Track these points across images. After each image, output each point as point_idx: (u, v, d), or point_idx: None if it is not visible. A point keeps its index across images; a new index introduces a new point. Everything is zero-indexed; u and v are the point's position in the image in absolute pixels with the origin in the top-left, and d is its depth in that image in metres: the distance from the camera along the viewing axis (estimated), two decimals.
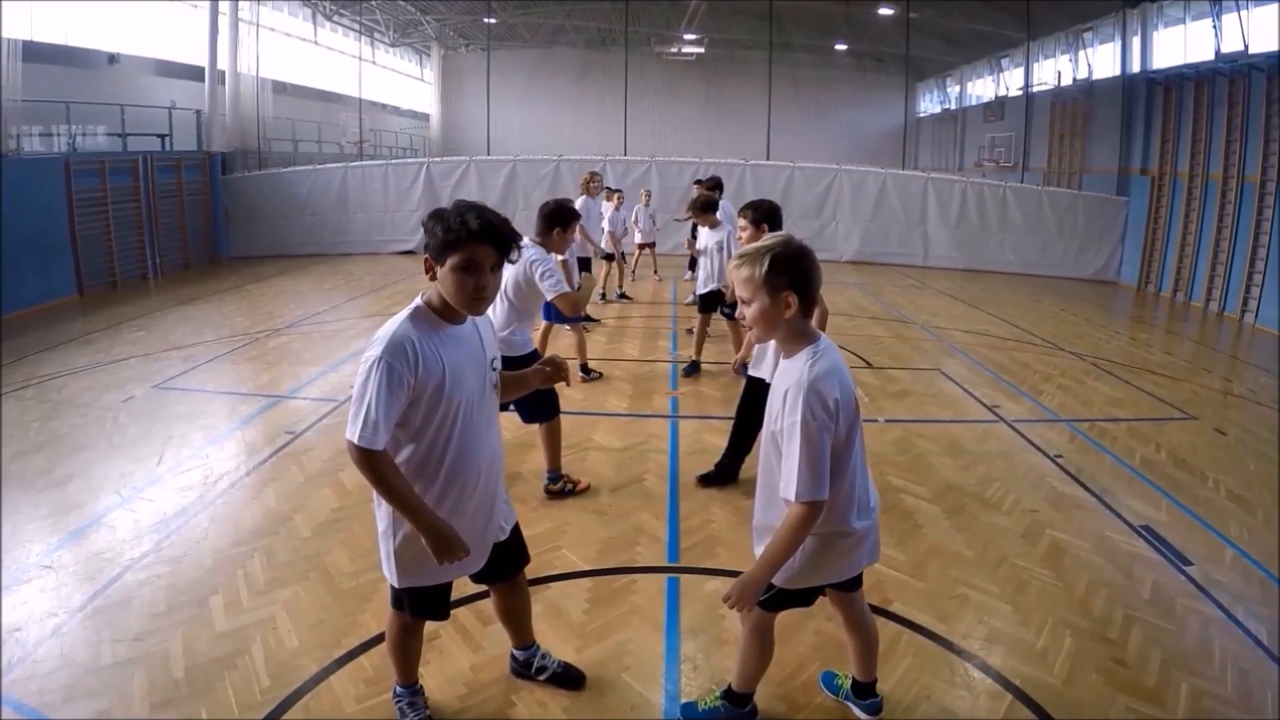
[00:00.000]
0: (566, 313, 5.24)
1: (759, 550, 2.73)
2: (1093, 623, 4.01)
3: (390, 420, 2.47)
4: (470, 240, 2.47)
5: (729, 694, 3.12)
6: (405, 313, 2.57)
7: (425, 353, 2.49)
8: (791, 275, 2.51)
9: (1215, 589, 4.39)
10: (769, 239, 2.60)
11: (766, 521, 2.74)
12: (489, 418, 2.77)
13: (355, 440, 2.45)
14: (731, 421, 5.60)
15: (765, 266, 2.50)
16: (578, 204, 10.45)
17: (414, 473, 2.61)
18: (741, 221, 5.42)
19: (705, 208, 8.07)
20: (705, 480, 5.58)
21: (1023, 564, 4.59)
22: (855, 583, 2.96)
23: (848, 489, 2.65)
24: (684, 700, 3.28)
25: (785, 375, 2.62)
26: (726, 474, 5.58)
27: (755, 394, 5.18)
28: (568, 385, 3.20)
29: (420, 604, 2.87)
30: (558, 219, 5.36)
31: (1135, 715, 3.31)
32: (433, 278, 2.55)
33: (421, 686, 3.19)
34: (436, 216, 2.50)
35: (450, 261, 2.48)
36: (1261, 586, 4.49)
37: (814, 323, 3.96)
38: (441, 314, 2.58)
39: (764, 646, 3.00)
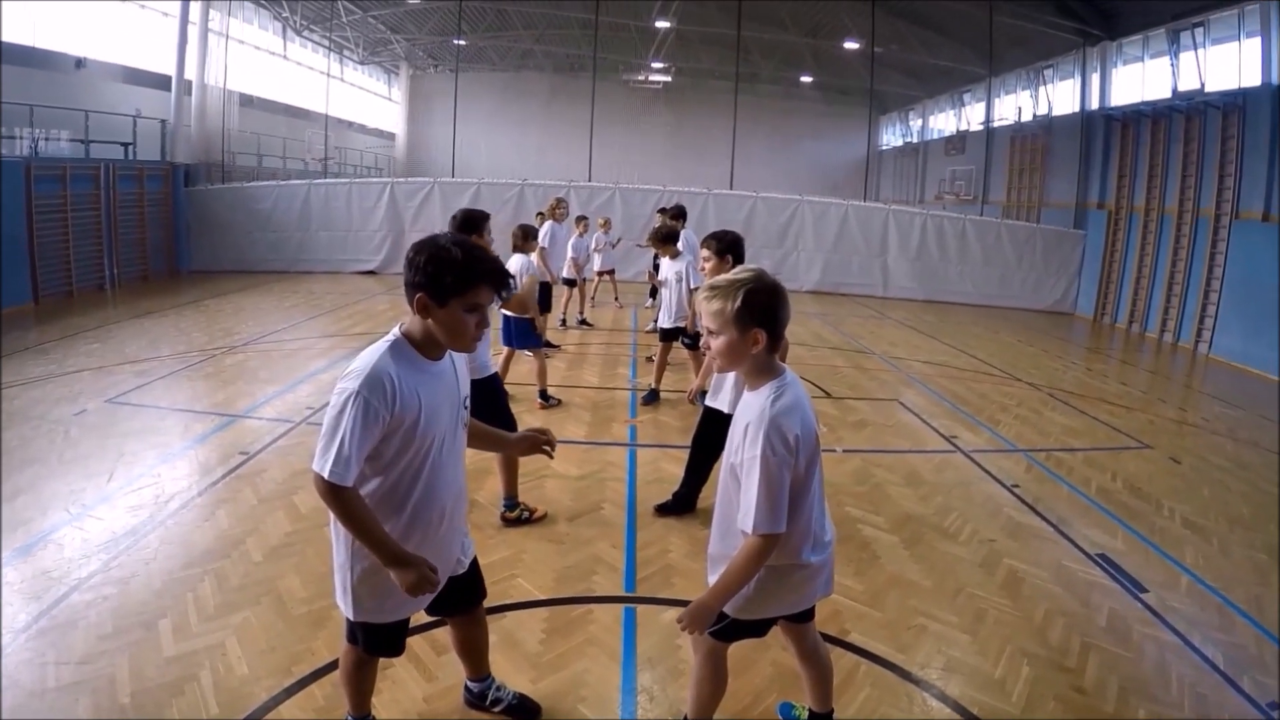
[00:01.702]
0: (514, 312, 5.07)
1: (713, 579, 2.73)
2: (1050, 651, 4.04)
3: (362, 455, 2.42)
4: (480, 281, 2.47)
5: None
6: (384, 345, 2.50)
7: (404, 390, 2.44)
8: (763, 312, 2.52)
9: (1171, 615, 4.46)
10: (741, 273, 2.60)
11: (723, 550, 2.73)
12: (457, 455, 2.73)
13: (325, 475, 2.38)
14: (689, 450, 5.57)
15: (738, 302, 2.50)
16: (542, 230, 10.45)
17: (378, 506, 2.55)
18: (705, 252, 5.41)
19: (666, 239, 8.16)
20: (663, 510, 5.55)
21: (981, 593, 4.62)
22: (808, 614, 2.96)
23: (804, 523, 2.65)
24: None
25: (747, 408, 2.62)
26: (684, 504, 5.56)
27: (712, 424, 5.18)
28: (550, 458, 3.13)
29: (375, 640, 2.82)
30: (467, 226, 5.19)
31: None
32: (424, 315, 2.49)
33: (374, 717, 3.12)
34: (436, 257, 2.44)
35: (456, 303, 2.46)
36: (1218, 612, 4.56)
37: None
38: (421, 349, 2.54)
39: (717, 676, 2.98)
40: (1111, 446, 7.77)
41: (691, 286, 7.86)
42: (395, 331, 2.55)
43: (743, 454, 2.55)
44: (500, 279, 2.53)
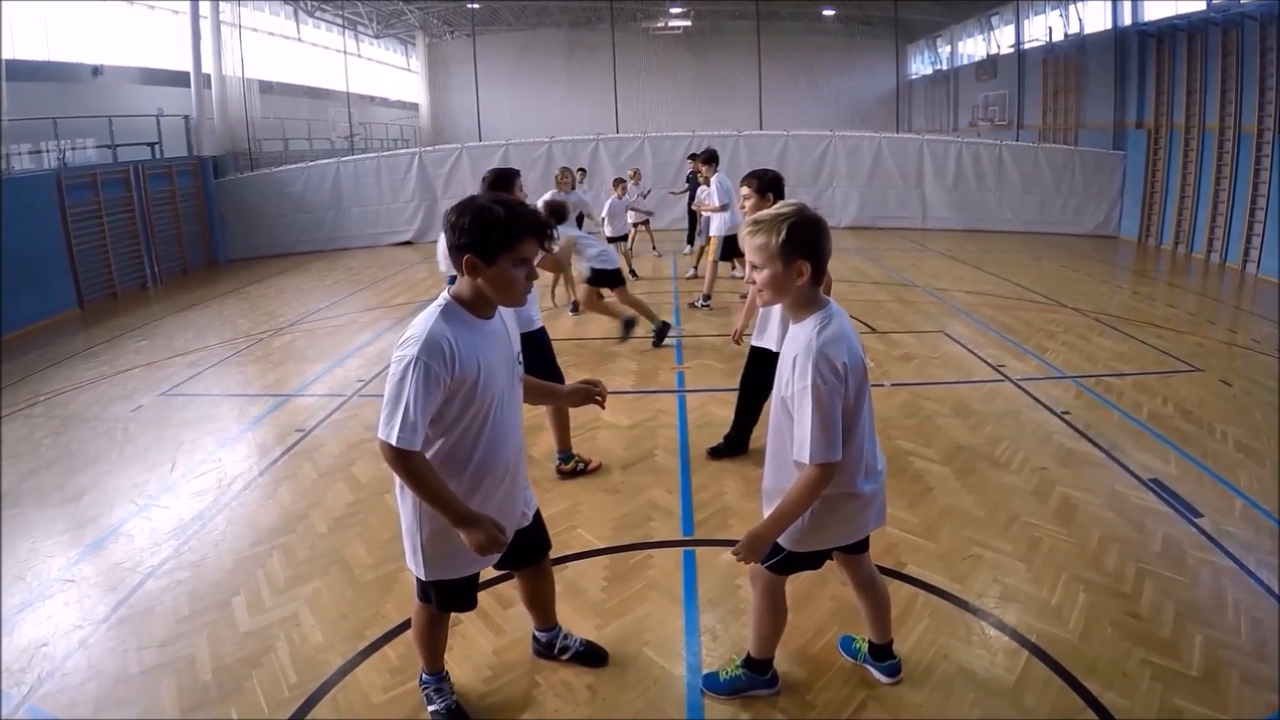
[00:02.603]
0: (547, 269, 5.07)
1: (768, 513, 2.77)
2: (1106, 577, 4.03)
3: (427, 419, 2.46)
4: (528, 234, 2.51)
5: (749, 662, 3.17)
6: (436, 309, 2.55)
7: (461, 351, 2.48)
8: (806, 244, 2.55)
9: (1226, 540, 4.41)
10: (784, 207, 2.62)
11: (777, 484, 2.77)
12: (515, 410, 2.79)
13: (393, 442, 2.43)
14: (738, 393, 5.60)
15: (782, 235, 2.54)
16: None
17: (443, 466, 2.60)
18: (745, 190, 5.41)
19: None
20: (715, 453, 5.61)
21: (1034, 522, 4.62)
22: (863, 545, 3.00)
23: (855, 452, 2.68)
24: (705, 671, 3.32)
25: (794, 341, 2.65)
26: (736, 445, 5.60)
27: (759, 363, 5.18)
28: (602, 409, 3.18)
29: (447, 596, 2.90)
30: (499, 184, 5.08)
31: (1151, 667, 3.34)
32: (474, 275, 2.53)
33: (447, 673, 3.22)
34: (479, 217, 2.47)
35: (505, 259, 2.49)
36: (1271, 536, 4.50)
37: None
38: (473, 309, 2.58)
39: (776, 610, 3.04)
40: (1161, 370, 7.64)
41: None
42: (444, 296, 2.60)
43: (793, 386, 2.58)
44: (543, 230, 2.57)
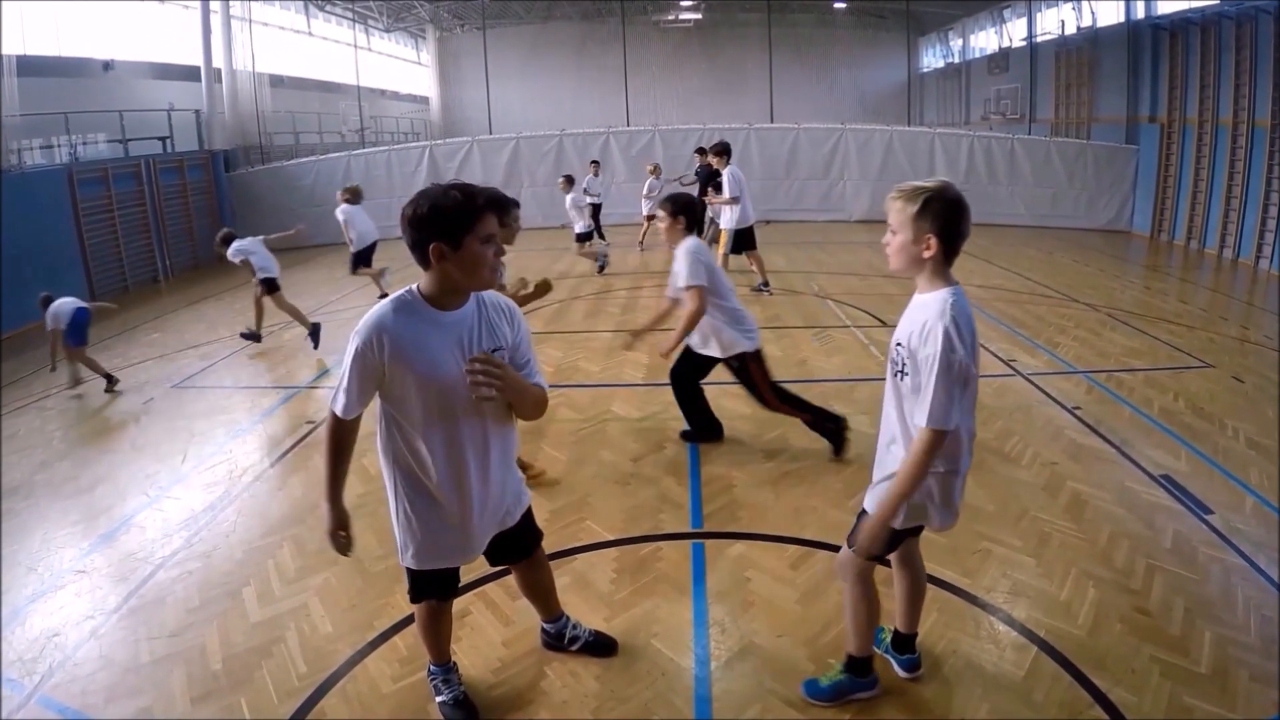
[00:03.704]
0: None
1: (870, 503, 2.81)
2: (1115, 573, 4.02)
3: (354, 392, 2.61)
4: (485, 211, 2.55)
5: (851, 664, 3.11)
6: (387, 300, 2.63)
7: (398, 337, 2.53)
8: (938, 220, 2.60)
9: (1236, 537, 4.38)
10: (930, 181, 2.67)
11: (882, 475, 2.81)
12: (480, 404, 2.65)
13: (328, 405, 2.70)
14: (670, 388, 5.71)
15: (918, 205, 2.60)
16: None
17: (397, 454, 2.70)
18: (660, 214, 5.40)
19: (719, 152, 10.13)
20: (686, 436, 5.80)
21: (1044, 517, 4.60)
22: (920, 528, 2.99)
23: (963, 429, 2.71)
24: (804, 680, 3.22)
25: (922, 308, 2.68)
26: (707, 431, 5.75)
27: (689, 364, 5.50)
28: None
29: (414, 584, 2.93)
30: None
31: (1160, 664, 3.33)
32: (441, 263, 2.52)
33: (455, 664, 3.23)
34: (437, 205, 2.50)
35: (469, 238, 2.51)
36: None
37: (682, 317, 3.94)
38: (434, 300, 2.60)
39: (870, 597, 3.00)
40: (1173, 366, 7.60)
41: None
42: (410, 286, 2.65)
43: (921, 351, 2.61)
44: (500, 204, 2.67)
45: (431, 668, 3.20)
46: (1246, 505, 4.78)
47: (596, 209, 14.47)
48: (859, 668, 3.10)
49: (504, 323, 2.73)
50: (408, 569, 2.87)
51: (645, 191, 14.42)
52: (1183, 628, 3.58)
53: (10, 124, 12.42)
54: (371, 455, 5.63)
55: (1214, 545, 4.32)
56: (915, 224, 2.61)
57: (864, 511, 2.86)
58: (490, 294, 2.73)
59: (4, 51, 12.07)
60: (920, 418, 2.58)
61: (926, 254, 2.63)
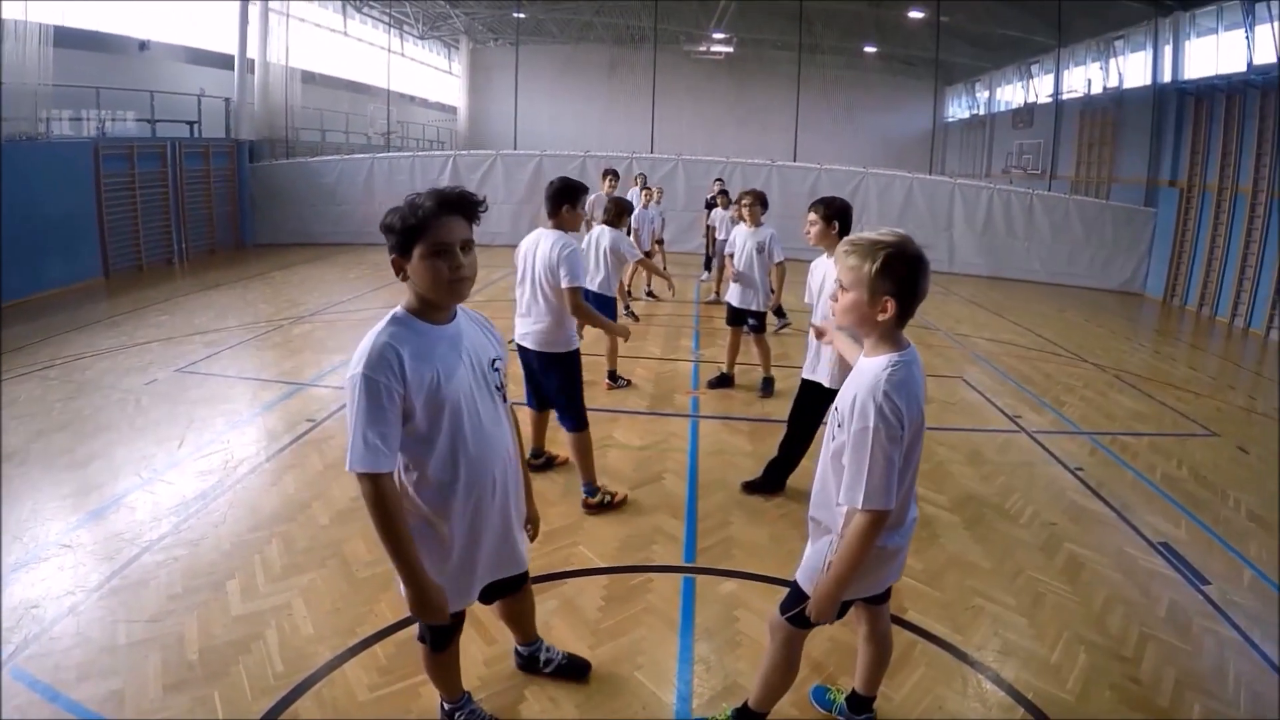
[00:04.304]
0: (571, 312, 4.85)
1: (812, 544, 2.71)
2: (1108, 639, 3.97)
3: (387, 438, 2.32)
4: (431, 219, 2.34)
5: (742, 713, 3.03)
6: (382, 322, 2.42)
7: (409, 357, 2.34)
8: (898, 280, 2.38)
9: (1232, 610, 4.33)
10: (887, 235, 2.43)
11: (819, 516, 2.69)
12: (499, 419, 2.63)
13: (347, 467, 2.32)
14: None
15: (877, 263, 2.37)
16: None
17: (436, 491, 2.50)
18: (812, 216, 5.17)
19: (761, 201, 7.64)
20: (750, 488, 5.44)
21: (1040, 577, 4.55)
22: (885, 596, 2.92)
23: (900, 505, 2.55)
24: (695, 718, 3.22)
25: (860, 375, 2.51)
26: (772, 483, 5.43)
27: (809, 398, 5.10)
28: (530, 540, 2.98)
29: (441, 636, 2.81)
30: (565, 196, 4.98)
31: None
32: (404, 278, 2.42)
33: (469, 694, 3.13)
34: (390, 212, 2.39)
35: (418, 250, 2.35)
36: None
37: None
38: (423, 315, 2.45)
39: (790, 664, 2.89)
40: (1178, 433, 7.56)
41: (776, 260, 7.36)
42: (397, 307, 2.48)
43: (852, 425, 2.43)
44: (457, 207, 2.39)
45: (445, 706, 3.07)
46: (1244, 578, 4.73)
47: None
48: (747, 718, 3.02)
49: (491, 333, 2.69)
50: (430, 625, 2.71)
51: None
52: (1172, 699, 3.53)
53: (43, 92, 12.51)
54: None
55: (1209, 617, 4.26)
56: (873, 283, 2.37)
57: (794, 582, 2.77)
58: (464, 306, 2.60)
59: (30, 19, 12.16)
60: (848, 496, 2.42)
61: (882, 317, 2.41)
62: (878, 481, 2.38)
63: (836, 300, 2.52)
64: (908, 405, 2.41)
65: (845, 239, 2.53)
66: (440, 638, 2.82)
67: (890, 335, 2.49)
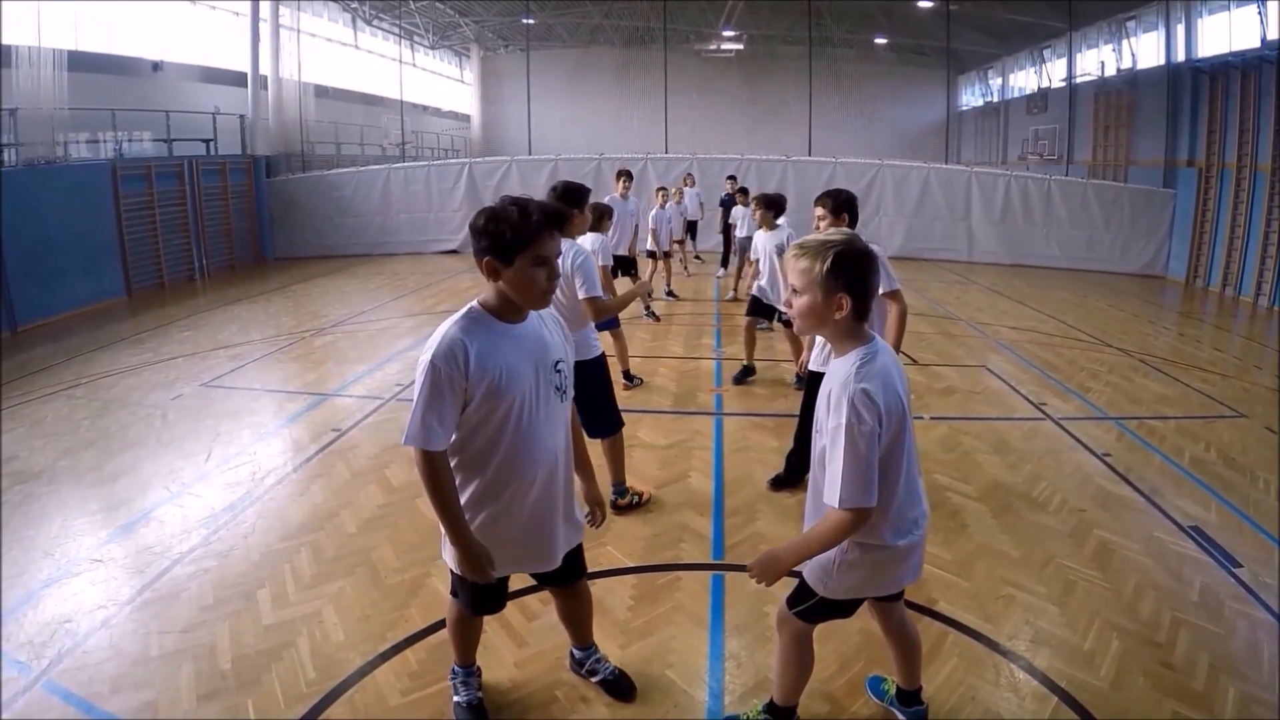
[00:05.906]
0: (592, 318, 4.80)
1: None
2: (1140, 625, 3.93)
3: (443, 421, 2.50)
4: (542, 231, 2.50)
5: (771, 709, 3.03)
6: (458, 315, 2.58)
7: (477, 353, 2.49)
8: (849, 278, 2.42)
9: (1265, 592, 4.27)
10: (834, 234, 2.50)
11: (816, 519, 2.65)
12: (553, 419, 2.72)
13: (404, 441, 2.52)
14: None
15: (826, 263, 2.40)
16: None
17: (464, 465, 2.65)
18: (819, 210, 5.06)
19: (770, 205, 7.72)
20: (777, 483, 5.44)
21: (1070, 564, 4.51)
22: (895, 594, 2.89)
23: (886, 502, 2.51)
24: (725, 715, 3.22)
25: (833, 376, 2.53)
26: (796, 473, 5.40)
27: (817, 388, 5.08)
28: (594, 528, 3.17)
29: (478, 598, 2.91)
30: (569, 202, 4.91)
31: None
32: (495, 279, 2.55)
33: (478, 668, 3.24)
34: (494, 217, 2.50)
35: (521, 259, 2.50)
36: None
37: (892, 320, 3.90)
38: (499, 314, 2.59)
39: (803, 658, 2.91)
40: (1205, 415, 7.46)
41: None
42: (473, 302, 2.62)
43: (828, 423, 2.46)
44: (558, 223, 2.58)
45: (455, 668, 3.20)
46: (1276, 559, 4.66)
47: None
48: (780, 714, 3.01)
49: (559, 335, 2.79)
50: (467, 582, 2.80)
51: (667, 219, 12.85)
52: (1207, 683, 3.49)
53: (59, 116, 12.69)
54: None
55: (1242, 600, 4.21)
56: (826, 283, 2.40)
57: (801, 576, 2.78)
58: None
59: (44, 45, 12.33)
60: (829, 495, 2.41)
61: (839, 314, 2.44)
62: (854, 479, 2.37)
63: (790, 307, 2.55)
64: (883, 392, 2.42)
65: (794, 244, 2.56)
66: (477, 600, 2.92)
67: (852, 331, 2.52)
